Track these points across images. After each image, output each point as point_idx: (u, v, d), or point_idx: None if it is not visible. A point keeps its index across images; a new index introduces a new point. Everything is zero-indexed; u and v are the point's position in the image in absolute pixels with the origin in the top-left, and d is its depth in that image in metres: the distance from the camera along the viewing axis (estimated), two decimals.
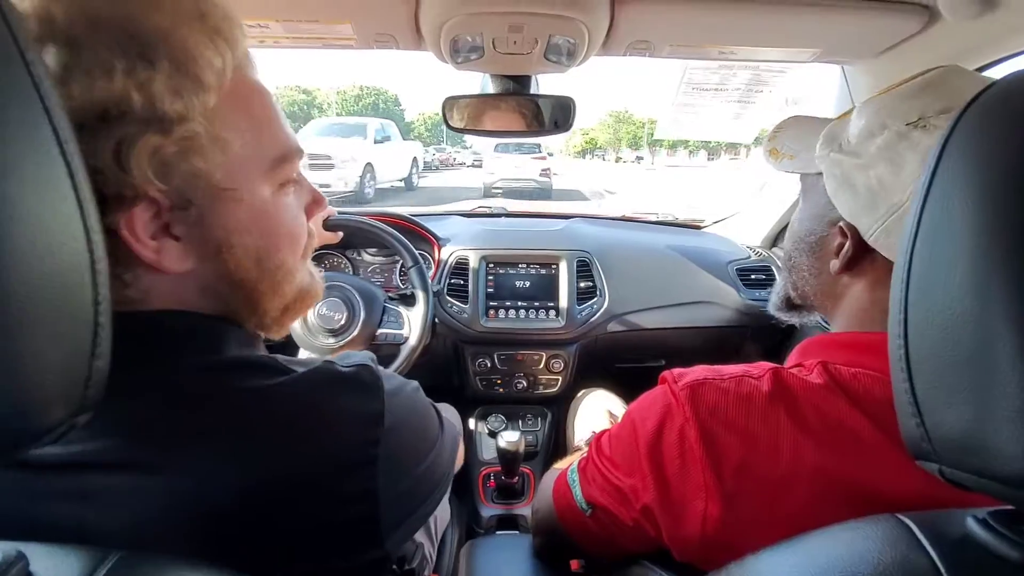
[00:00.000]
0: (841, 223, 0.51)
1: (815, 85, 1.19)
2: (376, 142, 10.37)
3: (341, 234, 1.13)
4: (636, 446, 0.50)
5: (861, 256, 0.50)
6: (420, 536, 0.81)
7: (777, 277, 1.46)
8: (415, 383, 0.52)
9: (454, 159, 27.49)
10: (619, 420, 1.05)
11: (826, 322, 0.60)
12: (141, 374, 0.38)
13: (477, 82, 1.05)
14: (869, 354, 0.46)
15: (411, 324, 1.11)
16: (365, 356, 0.49)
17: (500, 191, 11.57)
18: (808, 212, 0.57)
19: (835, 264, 0.52)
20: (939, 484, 0.41)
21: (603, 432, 0.58)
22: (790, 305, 0.64)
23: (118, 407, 0.36)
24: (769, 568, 0.38)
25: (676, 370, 0.51)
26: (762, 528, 0.41)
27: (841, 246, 0.51)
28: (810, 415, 0.44)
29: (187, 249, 0.41)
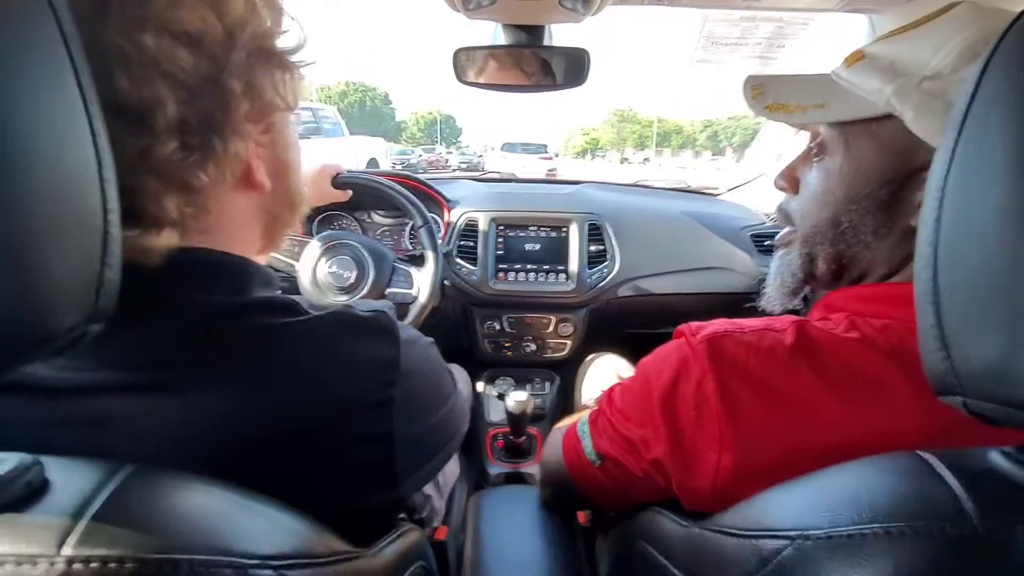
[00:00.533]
0: None
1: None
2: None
3: (351, 192, 1.12)
4: (649, 398, 0.49)
5: None
6: (429, 489, 0.82)
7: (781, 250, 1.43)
8: (430, 339, 0.52)
9: (446, 161, 24.37)
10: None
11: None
12: (168, 304, 0.39)
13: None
14: (903, 306, 0.43)
15: (420, 284, 1.11)
16: (383, 303, 0.50)
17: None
18: (868, 164, 0.49)
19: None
20: (969, 431, 0.40)
21: (615, 385, 0.58)
22: (808, 279, 0.57)
23: (141, 333, 0.38)
24: (779, 503, 0.37)
25: (693, 323, 0.50)
26: (777, 477, 0.40)
27: None
28: (835, 369, 0.43)
29: (266, 169, 0.45)
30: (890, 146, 0.47)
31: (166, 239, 0.37)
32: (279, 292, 0.47)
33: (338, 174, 1.11)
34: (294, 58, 0.43)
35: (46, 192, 0.25)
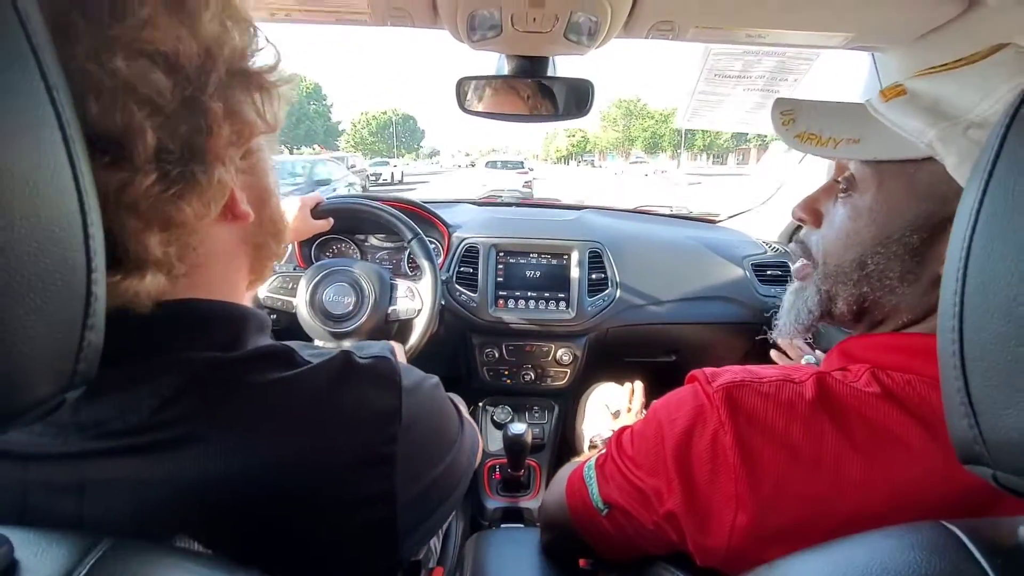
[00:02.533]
0: None
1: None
2: None
3: (332, 221, 1.11)
4: (662, 447, 0.47)
5: None
6: None
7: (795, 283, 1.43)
8: (435, 378, 0.50)
9: (399, 177, 22.45)
10: (624, 408, 1.03)
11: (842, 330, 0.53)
12: (155, 362, 0.37)
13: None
14: (923, 359, 0.43)
15: (421, 296, 1.09)
16: (384, 347, 0.47)
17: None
18: (901, 207, 0.46)
19: None
20: (994, 496, 0.38)
21: (624, 429, 0.55)
22: (824, 317, 0.54)
23: (124, 395, 0.35)
24: (800, 573, 0.35)
25: (708, 369, 0.48)
26: (795, 541, 0.38)
27: None
28: (857, 426, 0.41)
29: (249, 198, 0.43)
30: (927, 191, 0.45)
31: (152, 282, 0.35)
32: (271, 339, 0.44)
33: (318, 204, 1.11)
34: (271, 77, 0.41)
35: (24, 255, 0.23)
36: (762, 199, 1.64)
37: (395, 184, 21.63)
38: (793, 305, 0.56)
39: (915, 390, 0.42)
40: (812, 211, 0.55)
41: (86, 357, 0.27)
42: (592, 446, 1.02)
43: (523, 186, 15.28)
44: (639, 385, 1.08)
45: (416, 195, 1.70)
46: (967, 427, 0.30)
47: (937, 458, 0.39)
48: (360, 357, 0.43)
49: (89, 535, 0.28)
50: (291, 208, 1.05)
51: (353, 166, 17.75)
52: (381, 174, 21.75)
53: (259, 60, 0.41)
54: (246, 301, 0.47)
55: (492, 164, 16.68)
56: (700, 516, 0.44)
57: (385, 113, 67.89)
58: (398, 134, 68.60)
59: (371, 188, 18.35)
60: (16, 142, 0.23)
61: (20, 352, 0.24)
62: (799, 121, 0.52)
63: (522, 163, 16.98)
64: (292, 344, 0.43)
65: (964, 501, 0.39)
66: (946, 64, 0.45)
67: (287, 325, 1.13)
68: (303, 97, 53.75)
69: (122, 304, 0.34)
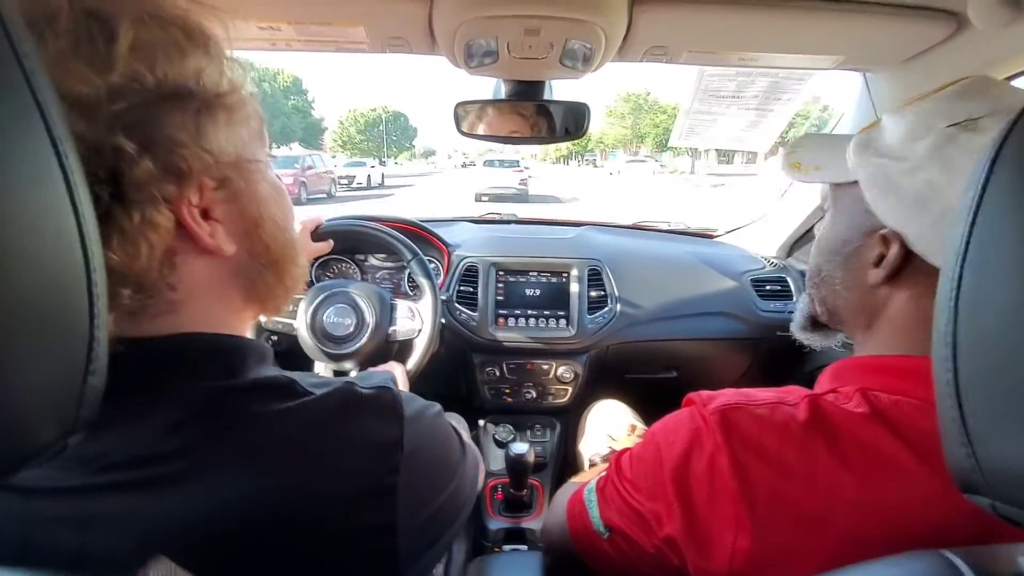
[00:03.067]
0: (883, 231, 0.48)
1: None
2: None
3: (332, 243, 1.12)
4: (660, 470, 0.47)
5: (904, 265, 0.47)
6: None
7: (796, 293, 1.44)
8: (437, 406, 0.50)
9: (378, 180, 20.61)
10: (635, 433, 1.03)
11: (849, 340, 0.57)
12: (154, 396, 0.37)
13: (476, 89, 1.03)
14: (911, 380, 0.44)
15: (422, 315, 1.10)
16: (385, 377, 0.47)
17: (488, 196, 15.68)
18: (841, 223, 0.54)
19: (876, 275, 0.49)
20: (987, 518, 0.38)
21: (623, 451, 0.56)
22: (815, 324, 0.61)
23: (125, 429, 0.35)
24: None
25: (704, 392, 0.49)
26: (795, 565, 0.39)
27: (881, 256, 0.49)
28: (849, 447, 0.42)
29: (228, 230, 0.41)
30: (855, 208, 0.51)
31: (111, 326, 0.33)
32: (274, 368, 0.44)
33: (318, 226, 1.11)
34: (225, 100, 0.38)
35: (26, 301, 0.24)
36: (766, 210, 1.65)
37: (372, 188, 19.76)
38: (798, 307, 0.64)
39: (903, 412, 0.43)
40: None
41: (88, 402, 0.27)
42: (591, 464, 1.02)
43: (519, 183, 16.45)
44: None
45: (397, 200, 1.70)
46: (964, 456, 0.30)
47: (930, 482, 0.40)
48: (362, 388, 0.43)
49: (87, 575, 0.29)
50: None
51: (311, 167, 15.04)
52: (355, 177, 19.69)
53: (207, 81, 0.38)
54: (247, 332, 0.47)
55: (490, 163, 17.47)
56: (700, 540, 0.44)
57: (375, 111, 62.51)
58: (388, 132, 63.14)
59: (340, 193, 16.89)
60: (20, 189, 0.23)
61: (23, 399, 0.24)
62: (798, 152, 0.59)
63: (517, 162, 17.73)
64: (294, 375, 0.43)
65: (964, 526, 0.39)
66: (918, 95, 0.49)
67: (288, 348, 1.13)
68: (279, 91, 50.10)
69: None
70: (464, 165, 42.85)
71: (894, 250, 0.47)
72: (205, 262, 0.41)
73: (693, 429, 0.46)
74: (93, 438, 0.34)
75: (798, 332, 0.64)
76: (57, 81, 0.30)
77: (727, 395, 0.48)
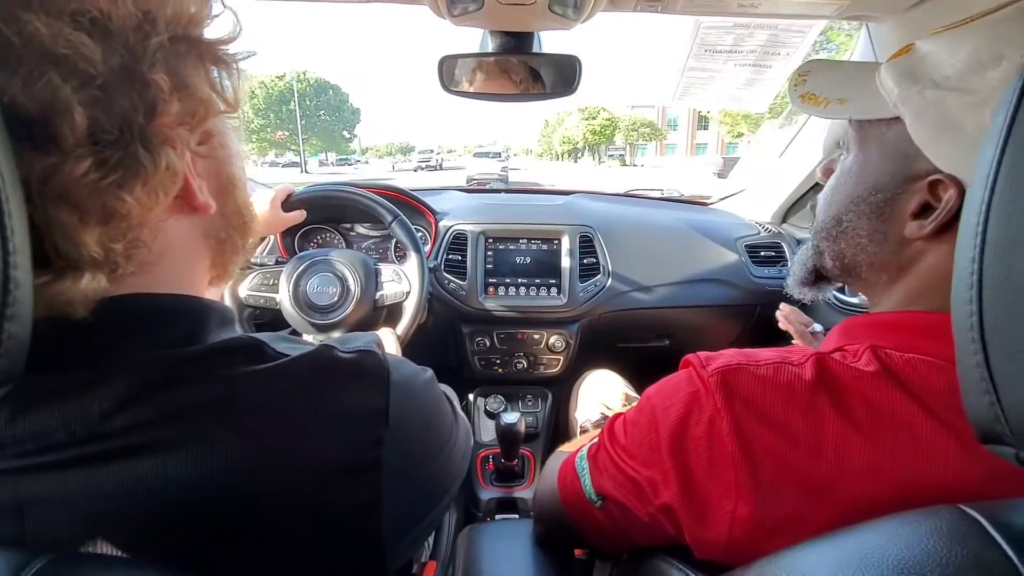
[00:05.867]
0: (934, 177, 0.42)
1: None
2: None
3: (304, 213, 1.08)
4: (656, 436, 0.45)
5: (957, 216, 0.41)
6: None
7: (791, 258, 1.42)
8: (430, 372, 0.47)
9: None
10: (629, 403, 1.02)
11: (840, 293, 0.53)
12: (104, 364, 0.33)
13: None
14: (928, 336, 0.41)
15: (408, 278, 1.06)
16: (370, 339, 0.43)
17: (476, 179, 17.85)
18: (872, 166, 0.47)
19: (920, 227, 0.43)
20: (1005, 480, 0.36)
21: (617, 416, 0.53)
22: (817, 277, 0.57)
23: (66, 402, 0.32)
24: (810, 563, 0.33)
25: (703, 353, 0.46)
26: (798, 532, 0.36)
27: (924, 205, 0.43)
28: (858, 408, 0.39)
29: (209, 187, 0.39)
30: (892, 150, 0.45)
31: (88, 284, 0.31)
32: (240, 332, 0.41)
33: (289, 195, 1.07)
34: (228, 49, 0.37)
35: None
36: (761, 176, 1.61)
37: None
38: (796, 260, 0.59)
39: (916, 370, 0.40)
40: (827, 171, 0.56)
41: (8, 352, 0.24)
42: (583, 430, 1.01)
43: (500, 171, 19.92)
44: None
45: None
46: (987, 404, 0.28)
47: (945, 443, 0.37)
48: (342, 351, 0.39)
49: (25, 552, 0.25)
50: (261, 201, 1.01)
51: None
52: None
53: (214, 29, 0.36)
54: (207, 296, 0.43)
55: (480, 154, 22.69)
56: (698, 508, 0.42)
57: (282, 78, 38.61)
58: (311, 111, 40.96)
59: None
60: None
61: None
62: (809, 81, 0.52)
63: (500, 153, 23.62)
64: (263, 336, 0.39)
65: (978, 489, 0.37)
66: (958, 21, 0.43)
67: (272, 320, 1.10)
68: None
69: (51, 311, 0.30)
70: (422, 166, 33.48)
71: (950, 197, 0.41)
72: (181, 220, 0.38)
73: (691, 392, 0.44)
74: (29, 414, 0.31)
75: (795, 287, 0.59)
76: None
77: (728, 355, 0.45)
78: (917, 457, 0.38)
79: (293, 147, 38.62)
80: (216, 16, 0.36)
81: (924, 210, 0.43)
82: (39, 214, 0.29)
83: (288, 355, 0.37)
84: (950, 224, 0.42)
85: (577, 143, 53.41)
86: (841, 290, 1.16)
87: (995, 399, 0.28)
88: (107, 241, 0.31)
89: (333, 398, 0.37)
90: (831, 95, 0.49)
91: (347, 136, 44.94)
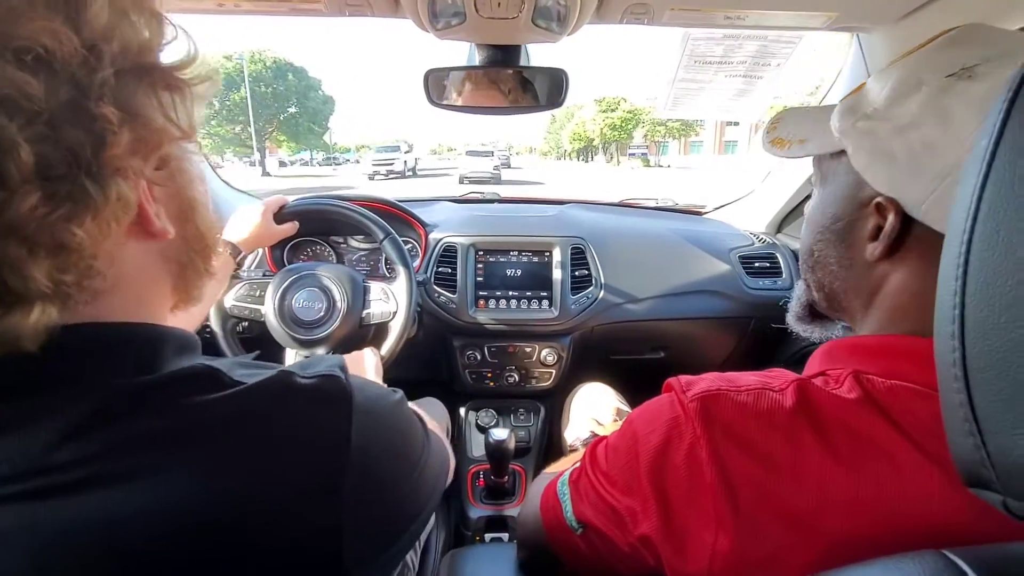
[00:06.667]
0: (878, 199, 0.43)
1: None
2: None
3: (296, 225, 1.07)
4: (636, 463, 0.43)
5: (904, 236, 0.43)
6: None
7: (786, 269, 1.41)
8: (399, 394, 0.46)
9: None
10: (621, 419, 1.00)
11: (848, 330, 0.53)
12: (53, 395, 0.32)
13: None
14: (910, 362, 0.40)
15: (396, 298, 1.05)
16: (333, 362, 0.42)
17: (468, 178, 19.45)
18: (830, 197, 0.50)
19: (874, 249, 0.44)
20: (994, 515, 0.34)
21: (599, 441, 0.52)
22: (813, 314, 0.57)
23: (18, 434, 0.31)
24: None
25: (684, 377, 0.45)
26: (780, 567, 0.35)
27: (877, 228, 0.44)
28: (840, 437, 0.38)
29: (168, 212, 0.39)
30: (844, 180, 0.48)
31: (37, 318, 0.30)
32: (199, 359, 0.40)
33: (282, 207, 1.06)
34: (183, 74, 0.36)
35: None
36: (747, 187, 1.60)
37: None
38: (794, 295, 0.59)
39: (898, 398, 0.39)
40: None
41: None
42: (572, 450, 0.99)
43: (493, 169, 20.92)
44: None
45: None
46: (972, 447, 0.27)
47: (930, 475, 0.36)
48: (302, 376, 0.38)
49: None
50: (253, 213, 1.00)
51: None
52: None
53: (168, 54, 0.36)
54: (167, 323, 0.42)
55: (473, 152, 22.97)
56: (677, 540, 0.40)
57: (230, 59, 31.56)
58: (266, 99, 33.30)
59: None
60: None
61: None
62: (779, 127, 0.55)
63: (492, 152, 23.56)
64: (221, 362, 0.38)
65: (967, 524, 0.35)
66: (903, 53, 0.46)
67: (259, 334, 1.08)
68: None
69: (5, 345, 0.30)
70: (382, 171, 25.79)
71: (891, 219, 0.43)
72: (138, 246, 0.37)
73: (671, 418, 0.43)
74: None
75: (795, 323, 0.59)
76: (9, 32, 0.28)
77: (708, 380, 0.44)
78: (901, 490, 0.36)
79: (250, 144, 32.43)
80: (169, 42, 0.36)
81: (878, 232, 0.44)
82: None
83: (244, 383, 0.36)
84: (901, 244, 0.43)
85: (592, 139, 47.35)
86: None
87: (980, 442, 0.27)
88: (57, 273, 0.31)
89: (290, 424, 0.36)
90: (794, 137, 0.52)
91: (316, 129, 37.28)
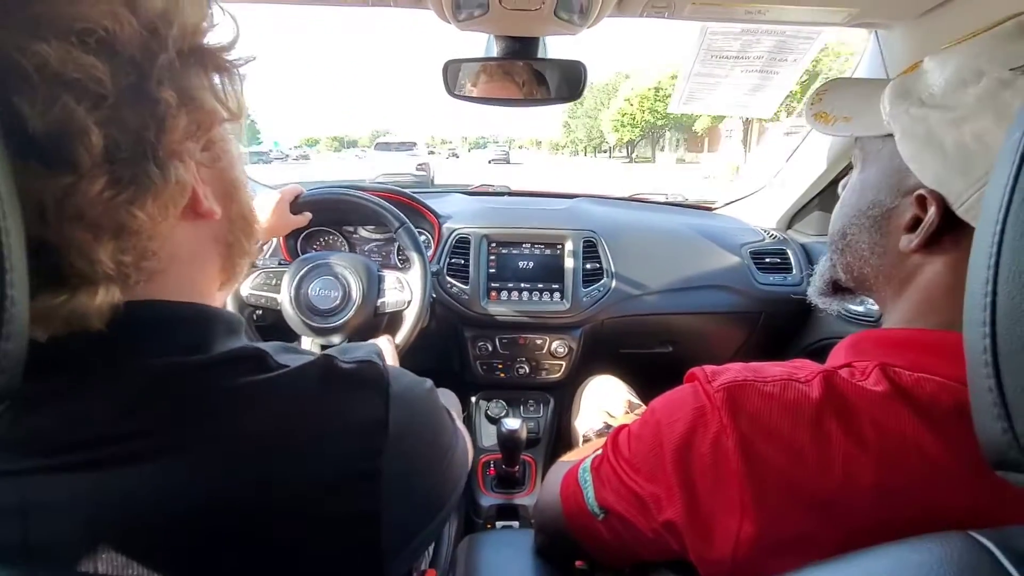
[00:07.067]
0: (921, 191, 0.43)
1: None
2: None
3: (310, 216, 1.07)
4: (661, 451, 0.44)
5: (944, 230, 0.42)
6: None
7: (796, 265, 1.41)
8: (429, 382, 0.46)
9: None
10: (633, 411, 1.01)
11: (850, 311, 0.54)
12: (110, 371, 0.33)
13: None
14: (937, 356, 0.40)
15: (411, 287, 1.06)
16: (371, 349, 0.43)
17: (380, 184, 14.07)
18: (871, 181, 0.49)
19: (909, 241, 0.44)
20: (1017, 504, 0.35)
21: (621, 428, 0.52)
22: (837, 289, 0.57)
23: (72, 408, 0.32)
24: None
25: (708, 367, 0.45)
26: (804, 553, 0.36)
27: (916, 219, 0.44)
28: (867, 428, 0.38)
29: (214, 193, 0.40)
30: (888, 165, 0.46)
31: (103, 298, 0.31)
32: (245, 340, 0.41)
33: (297, 197, 1.06)
34: (229, 55, 0.37)
35: None
36: (759, 182, 1.60)
37: None
38: (817, 271, 0.59)
39: (925, 391, 0.39)
40: (844, 186, 0.57)
41: (3, 369, 0.23)
42: (586, 440, 1.00)
43: (416, 168, 14.18)
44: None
45: None
46: (1000, 430, 0.28)
47: (956, 466, 0.37)
48: (343, 361, 0.39)
49: (25, 567, 0.25)
50: (269, 202, 1.01)
51: None
52: None
53: (215, 37, 0.36)
54: (218, 303, 0.43)
55: (384, 146, 15.02)
56: (702, 525, 0.41)
57: None
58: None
59: None
60: None
61: None
62: (824, 100, 0.53)
63: (414, 144, 14.98)
64: (267, 346, 0.39)
65: (990, 512, 0.36)
66: (962, 37, 0.43)
67: (273, 322, 1.09)
68: None
69: (68, 327, 0.31)
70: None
71: (932, 213, 0.42)
72: (188, 227, 0.38)
73: (697, 407, 0.43)
74: (32, 415, 0.31)
75: (816, 297, 0.59)
76: (72, 14, 0.28)
77: (733, 370, 0.44)
78: (926, 480, 0.37)
79: None
80: (216, 25, 0.36)
81: (916, 224, 0.44)
82: (54, 234, 0.29)
83: (289, 366, 0.37)
84: (939, 239, 0.43)
85: (636, 124, 35.55)
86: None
87: (1008, 425, 0.27)
88: (119, 255, 0.32)
89: (333, 407, 0.37)
90: (839, 113, 0.51)
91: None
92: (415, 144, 14.90)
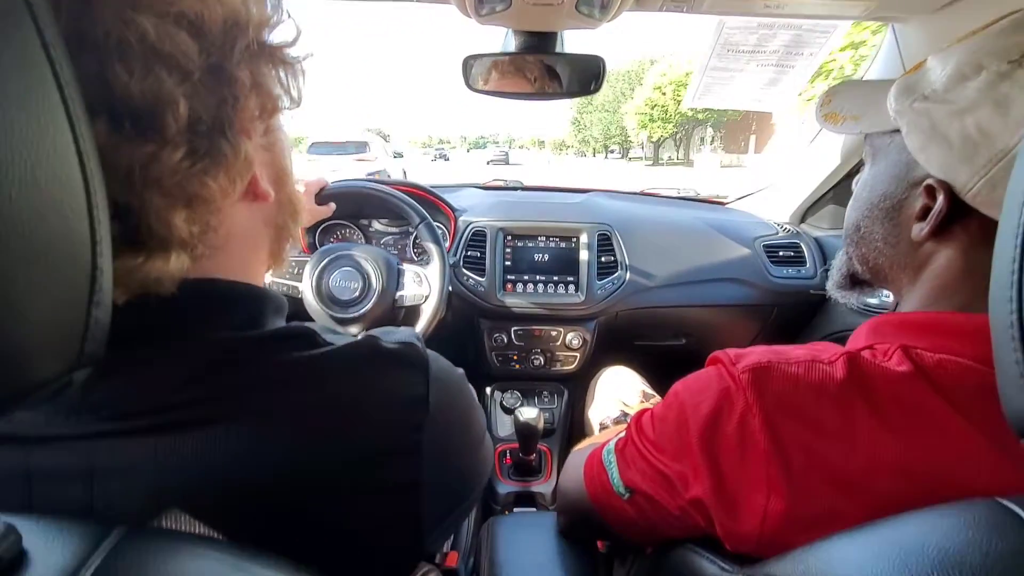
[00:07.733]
0: (929, 181, 0.45)
1: None
2: None
3: (334, 206, 1.09)
4: (686, 431, 0.46)
5: (953, 217, 0.44)
6: None
7: (809, 259, 1.42)
8: (461, 370, 0.49)
9: None
10: (648, 401, 1.02)
11: (869, 302, 0.55)
12: (173, 343, 0.35)
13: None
14: (957, 337, 0.42)
15: (429, 281, 1.08)
16: (410, 333, 0.45)
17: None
18: (881, 175, 0.51)
19: (920, 229, 0.46)
20: None
21: (643, 412, 0.54)
22: (854, 282, 0.59)
23: (140, 375, 0.34)
24: (846, 553, 0.34)
25: (731, 351, 0.47)
26: (830, 527, 0.37)
27: (926, 209, 0.46)
28: (891, 407, 0.40)
29: (268, 177, 0.42)
30: (896, 159, 0.49)
31: (176, 263, 0.33)
32: (293, 321, 0.43)
33: (322, 188, 1.08)
34: (292, 52, 0.40)
35: (22, 223, 0.21)
36: (771, 177, 1.61)
37: None
38: (835, 264, 0.61)
39: (947, 371, 0.40)
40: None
41: (93, 336, 0.25)
42: (602, 427, 1.01)
43: (366, 176, 10.46)
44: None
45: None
46: None
47: (979, 444, 0.38)
48: (387, 342, 0.41)
49: (100, 524, 0.27)
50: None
51: None
52: None
53: (280, 33, 0.39)
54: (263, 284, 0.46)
55: (317, 149, 11.47)
56: (729, 502, 0.42)
57: None
58: None
59: None
60: (10, 103, 0.21)
61: (22, 329, 0.22)
62: (833, 101, 0.56)
63: (366, 144, 11.71)
64: (314, 326, 0.41)
65: (1012, 487, 0.37)
66: (962, 35, 0.45)
67: (293, 311, 1.12)
68: None
69: (144, 289, 0.33)
70: None
71: (940, 201, 0.44)
72: (245, 208, 0.41)
73: (722, 388, 0.44)
74: (105, 382, 0.33)
75: (834, 291, 0.61)
76: None
77: (758, 352, 0.46)
78: (950, 458, 0.38)
79: None
80: (282, 22, 0.39)
81: (926, 213, 0.46)
82: (136, 199, 0.31)
83: (335, 343, 0.39)
84: (949, 226, 0.45)
85: (669, 119, 30.80)
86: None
87: None
88: (189, 223, 0.34)
89: (378, 383, 0.39)
90: (848, 113, 0.54)
91: None
92: (366, 144, 11.76)
